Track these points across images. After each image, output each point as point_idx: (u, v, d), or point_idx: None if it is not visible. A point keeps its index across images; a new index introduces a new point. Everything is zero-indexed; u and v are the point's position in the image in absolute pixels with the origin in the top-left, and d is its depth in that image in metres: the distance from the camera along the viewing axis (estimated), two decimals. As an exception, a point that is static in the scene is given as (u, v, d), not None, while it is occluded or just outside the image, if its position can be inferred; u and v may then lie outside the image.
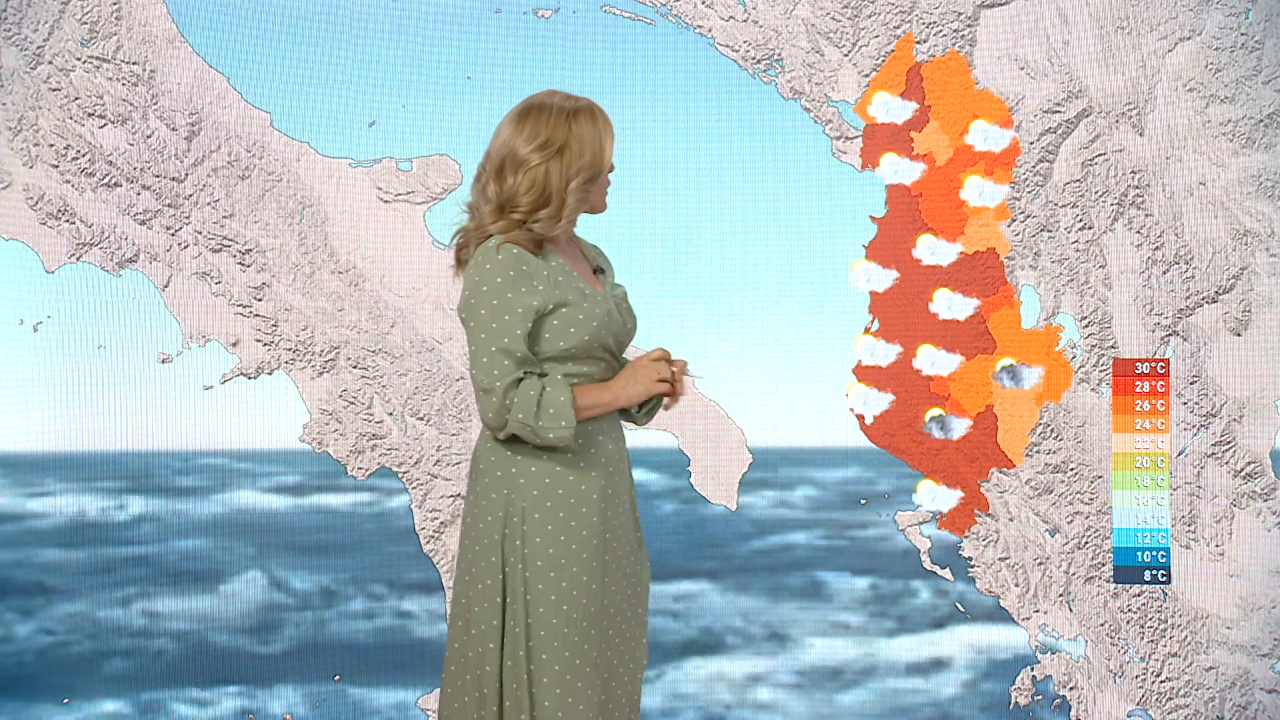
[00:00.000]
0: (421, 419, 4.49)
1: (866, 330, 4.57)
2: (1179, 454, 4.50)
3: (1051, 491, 4.55)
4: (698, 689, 4.56)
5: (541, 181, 2.81)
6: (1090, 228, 4.52)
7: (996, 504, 4.56)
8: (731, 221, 4.52)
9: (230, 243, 4.41)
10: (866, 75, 4.54)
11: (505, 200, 2.83)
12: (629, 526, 3.01)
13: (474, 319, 2.79)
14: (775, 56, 4.54)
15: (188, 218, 4.40)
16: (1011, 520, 4.56)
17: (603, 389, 2.89)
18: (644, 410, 3.00)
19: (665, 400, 2.98)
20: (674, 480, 4.57)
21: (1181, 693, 4.49)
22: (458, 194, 4.51)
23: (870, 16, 4.52)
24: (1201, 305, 4.50)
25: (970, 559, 4.57)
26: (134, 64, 4.35)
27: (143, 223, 4.37)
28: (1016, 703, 4.54)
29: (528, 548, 2.84)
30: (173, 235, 4.39)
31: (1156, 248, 4.50)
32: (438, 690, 4.47)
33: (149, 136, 4.36)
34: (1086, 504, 4.53)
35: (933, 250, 4.54)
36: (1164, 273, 4.51)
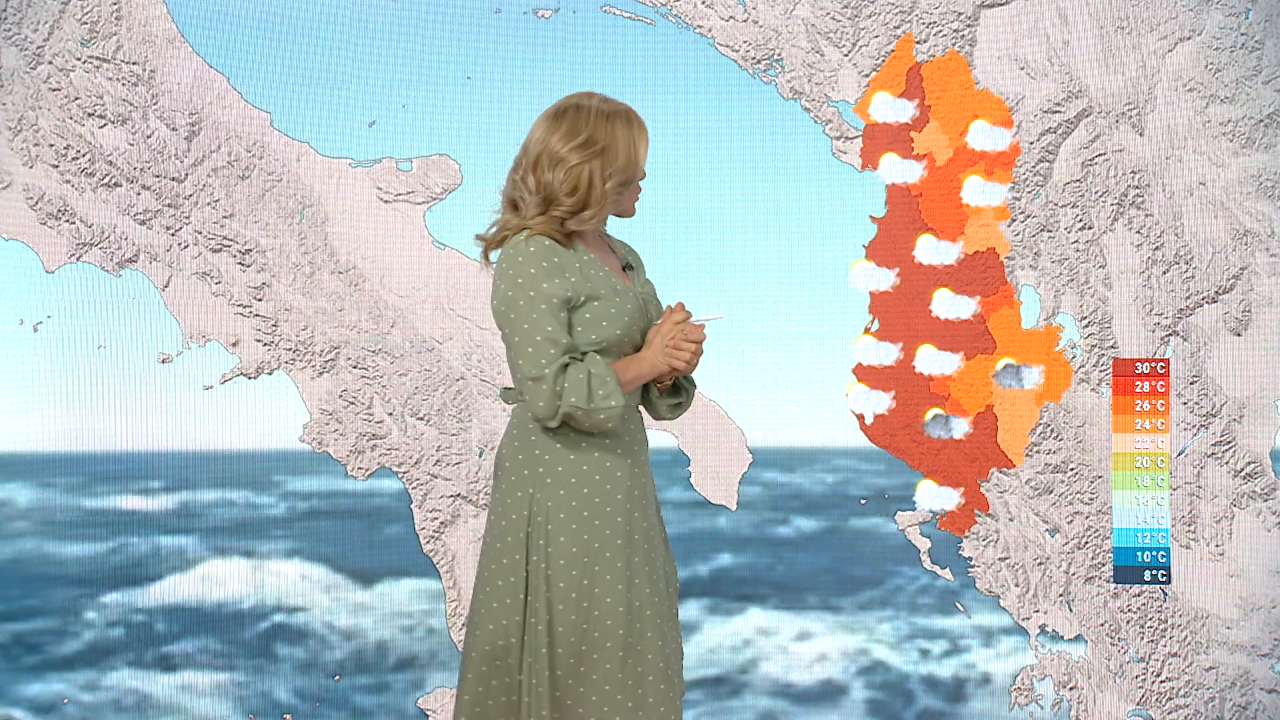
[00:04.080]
0: (421, 419, 4.49)
1: (866, 330, 4.57)
2: (1179, 454, 4.50)
3: (1051, 491, 4.55)
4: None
5: (584, 180, 2.83)
6: (1090, 228, 4.52)
7: (996, 504, 4.56)
8: (731, 221, 4.52)
9: (230, 243, 4.41)
10: (866, 75, 4.54)
11: (547, 195, 2.84)
12: (657, 527, 3.01)
13: (514, 310, 2.80)
14: (775, 56, 4.54)
15: (188, 218, 4.40)
16: (1011, 520, 4.56)
17: (637, 360, 2.90)
18: (670, 405, 3.00)
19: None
20: (672, 480, 4.57)
21: (1181, 693, 4.49)
22: (458, 194, 4.51)
23: (870, 16, 4.52)
24: (1201, 305, 4.50)
25: (970, 559, 4.57)
26: (134, 64, 4.35)
27: (143, 223, 4.37)
28: (1016, 703, 4.54)
29: (551, 546, 2.84)
30: (173, 235, 4.39)
31: (1156, 248, 4.50)
32: (438, 690, 4.48)
33: (149, 136, 4.36)
34: (1086, 504, 4.53)
35: (933, 250, 4.54)
36: (1164, 273, 4.51)
